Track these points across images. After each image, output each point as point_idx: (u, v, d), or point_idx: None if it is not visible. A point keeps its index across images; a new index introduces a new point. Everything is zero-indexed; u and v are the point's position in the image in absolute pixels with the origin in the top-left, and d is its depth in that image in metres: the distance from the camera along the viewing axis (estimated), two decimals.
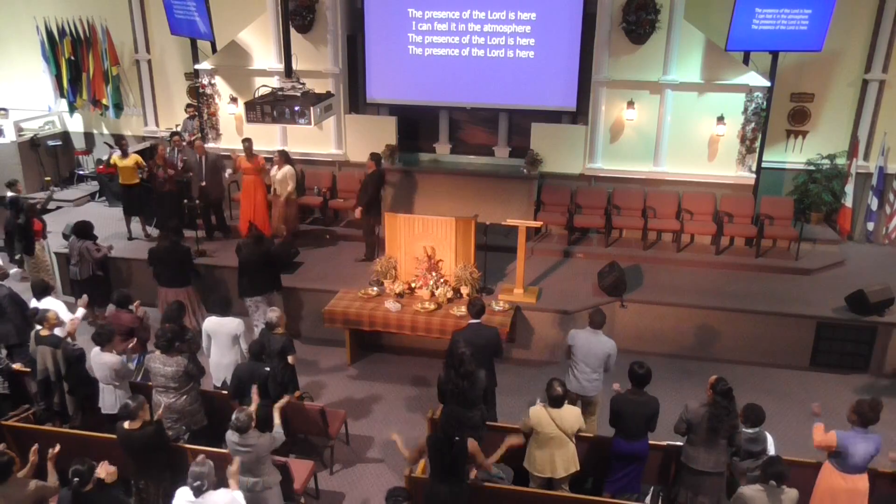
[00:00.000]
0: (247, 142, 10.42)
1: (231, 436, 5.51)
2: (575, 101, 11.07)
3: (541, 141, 11.08)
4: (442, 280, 9.01)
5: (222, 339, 7.29)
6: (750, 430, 5.82)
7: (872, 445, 5.59)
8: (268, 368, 6.49)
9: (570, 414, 5.93)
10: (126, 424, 5.64)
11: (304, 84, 8.41)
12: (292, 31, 10.50)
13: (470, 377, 6.06)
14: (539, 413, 5.93)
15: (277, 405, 6.11)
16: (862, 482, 5.63)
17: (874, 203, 11.13)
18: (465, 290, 8.95)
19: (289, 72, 8.60)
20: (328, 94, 8.86)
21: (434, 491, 5.43)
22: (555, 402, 5.87)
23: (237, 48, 11.64)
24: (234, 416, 5.46)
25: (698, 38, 10.33)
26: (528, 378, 8.63)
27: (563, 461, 5.98)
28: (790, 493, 5.11)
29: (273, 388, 6.47)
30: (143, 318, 7.80)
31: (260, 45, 11.57)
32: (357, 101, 11.96)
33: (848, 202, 11.10)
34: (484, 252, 9.39)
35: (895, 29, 10.73)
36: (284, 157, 10.56)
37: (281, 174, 10.41)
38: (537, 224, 9.98)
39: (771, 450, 5.84)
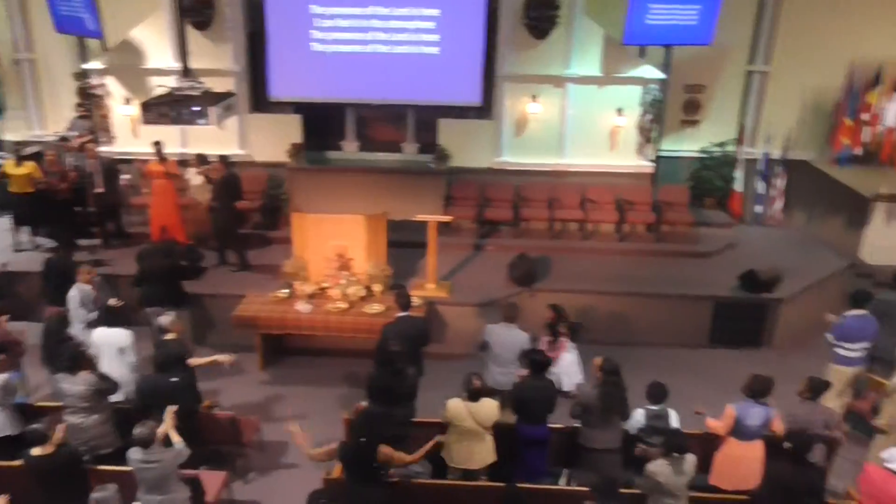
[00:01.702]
0: (157, 144, 10.00)
1: (134, 453, 5.27)
2: (481, 96, 11.20)
3: (448, 136, 11.18)
4: (354, 279, 8.95)
5: (110, 351, 6.93)
6: (654, 408, 6.09)
7: (765, 415, 5.95)
8: (174, 379, 6.26)
9: (488, 407, 6.02)
10: (35, 451, 5.30)
11: (203, 83, 8.16)
12: (189, 29, 10.17)
13: (400, 375, 6.10)
14: (457, 407, 5.99)
15: (162, 428, 5.73)
16: (758, 449, 5.99)
17: (761, 187, 11.83)
18: (377, 288, 8.93)
19: (186, 71, 8.33)
20: (229, 94, 8.64)
21: (351, 493, 5.40)
22: (472, 395, 5.95)
23: (130, 46, 11.14)
24: (135, 431, 5.24)
25: (597, 33, 10.67)
26: (445, 372, 8.61)
27: (480, 453, 6.08)
28: (690, 460, 5.40)
29: (181, 399, 6.21)
30: (10, 332, 7.32)
31: (155, 42, 11.12)
32: (260, 99, 11.68)
33: (738, 187, 11.74)
34: (395, 249, 9.38)
35: (775, 23, 11.43)
36: (201, 161, 10.19)
37: (200, 179, 10.06)
38: (447, 219, 10.04)
39: (675, 424, 6.12)
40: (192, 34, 10.56)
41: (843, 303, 7.85)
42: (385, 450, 5.37)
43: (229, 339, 9.08)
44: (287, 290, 8.92)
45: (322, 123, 11.80)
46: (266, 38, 11.17)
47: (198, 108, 7.86)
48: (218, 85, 9.34)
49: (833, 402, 6.98)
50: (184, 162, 10.44)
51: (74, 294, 7.71)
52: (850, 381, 7.42)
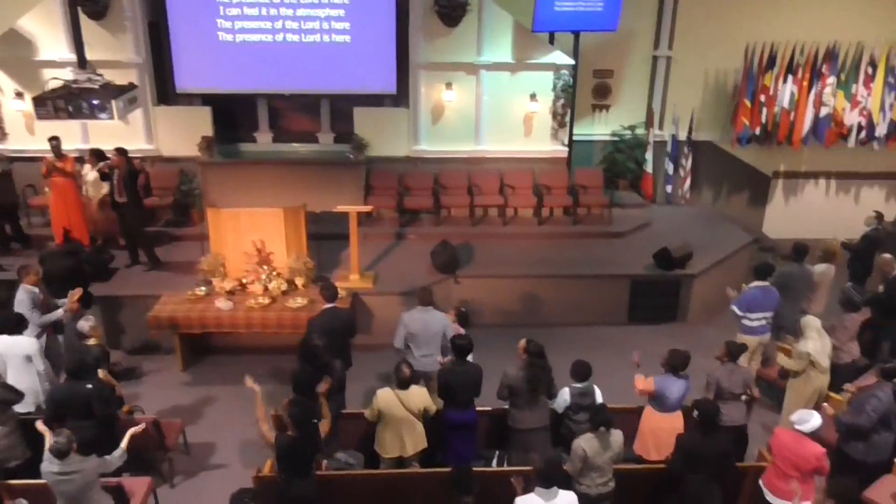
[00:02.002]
0: (54, 140, 9.43)
1: (49, 465, 4.98)
2: (395, 84, 11.14)
3: (364, 125, 11.07)
4: (275, 273, 8.76)
5: (15, 360, 6.51)
6: (579, 385, 6.24)
7: (683, 387, 6.21)
8: (89, 385, 5.96)
9: (417, 394, 6.03)
10: None
11: (101, 75, 7.73)
12: (84, 18, 9.63)
13: (327, 368, 6.01)
14: (387, 396, 5.97)
15: (131, 430, 5.60)
16: (678, 420, 6.23)
17: (670, 168, 12.30)
18: (299, 282, 8.77)
19: (83, 62, 7.88)
20: (131, 86, 8.20)
21: (285, 487, 5.30)
22: (402, 384, 5.94)
23: (18, 37, 10.45)
24: (51, 441, 4.96)
25: (507, 20, 10.77)
26: (371, 363, 8.60)
27: (411, 440, 6.08)
28: (616, 435, 5.57)
29: (97, 406, 5.94)
30: None
31: (46, 32, 10.48)
32: (166, 91, 11.22)
33: (649, 168, 12.17)
34: (316, 241, 9.24)
35: (676, 10, 11.86)
36: (97, 157, 9.69)
37: (94, 175, 9.59)
38: (368, 209, 9.98)
39: (599, 401, 6.30)
40: (88, 24, 10.01)
41: (750, 276, 8.25)
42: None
43: (145, 341, 8.74)
44: (205, 288, 8.64)
45: (233, 115, 11.46)
46: (168, 27, 10.74)
47: (97, 102, 7.44)
48: (119, 77, 8.84)
49: None
50: (80, 158, 9.92)
51: (23, 297, 7.24)
52: (755, 350, 7.82)
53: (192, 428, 7.47)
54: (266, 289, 8.62)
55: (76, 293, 7.27)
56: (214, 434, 7.47)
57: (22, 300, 7.24)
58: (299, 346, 6.36)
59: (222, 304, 8.35)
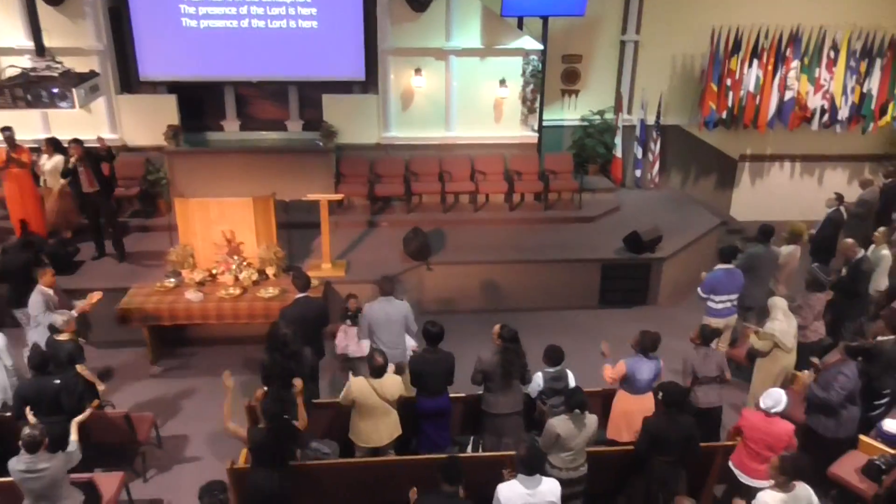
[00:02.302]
0: (7, 131, 9.19)
1: (17, 463, 4.90)
2: (363, 70, 11.04)
3: (334, 112, 10.96)
4: (245, 263, 8.67)
5: None
6: (552, 370, 6.29)
7: (654, 368, 6.30)
8: (58, 381, 5.86)
9: (391, 383, 6.02)
10: None
11: (61, 63, 7.55)
12: (41, 4, 9.38)
13: (296, 357, 5.98)
14: (360, 384, 5.96)
15: (76, 419, 5.54)
16: (649, 401, 6.32)
17: (639, 152, 12.40)
18: (270, 271, 8.70)
19: (41, 50, 7.68)
20: (92, 74, 8.04)
21: (259, 479, 5.28)
22: (375, 372, 5.93)
23: None
24: (24, 432, 4.87)
25: (475, 5, 10.72)
26: None
27: (387, 428, 6.09)
28: (591, 419, 5.63)
29: (67, 401, 5.85)
30: None
31: (2, 19, 10.19)
32: (129, 79, 10.99)
33: (618, 153, 12.25)
34: (287, 230, 9.16)
35: None
36: (54, 146, 9.47)
37: (51, 165, 9.37)
38: (338, 197, 9.91)
39: (572, 384, 6.36)
40: (45, 10, 9.75)
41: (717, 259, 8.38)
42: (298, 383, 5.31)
43: (114, 335, 8.60)
44: (174, 280, 8.53)
45: (199, 103, 11.26)
46: (130, 13, 10.49)
47: (57, 90, 7.28)
48: (79, 65, 8.67)
49: None
50: (37, 149, 9.69)
51: (37, 298, 7.05)
52: (723, 332, 7.93)
53: (165, 421, 7.41)
54: (237, 279, 8.54)
55: (95, 296, 7.17)
56: (187, 427, 7.40)
57: (36, 301, 7.05)
58: (267, 335, 6.31)
59: (192, 295, 8.25)
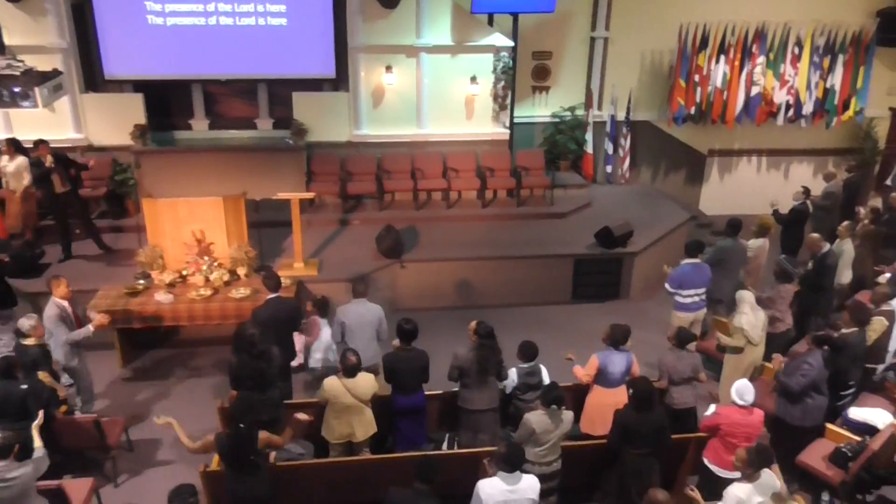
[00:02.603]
0: None
1: None
2: (334, 68, 10.98)
3: (304, 110, 10.88)
4: (216, 263, 8.57)
5: None
6: (526, 365, 6.33)
7: (626, 361, 6.35)
8: (24, 386, 5.74)
9: (365, 382, 6.01)
10: None
11: (22, 61, 7.38)
12: (1, 0, 9.18)
13: (265, 357, 5.92)
14: (334, 384, 5.94)
15: (35, 423, 5.42)
16: (622, 395, 6.34)
17: (610, 148, 12.50)
18: (241, 271, 8.62)
19: (1, 48, 7.50)
20: (55, 72, 7.88)
21: (232, 485, 5.22)
22: (349, 371, 5.91)
23: None
24: None
25: (445, 2, 10.72)
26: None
27: (361, 426, 6.07)
28: (567, 415, 5.66)
29: (34, 407, 5.73)
30: None
31: None
32: (94, 78, 10.79)
33: (589, 149, 12.34)
34: (258, 229, 9.08)
35: None
36: (15, 147, 9.26)
37: (13, 166, 9.17)
38: (309, 195, 9.84)
39: (546, 380, 6.40)
40: (5, 6, 9.57)
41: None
42: (263, 435, 5.23)
43: None
44: (144, 281, 8.40)
45: (167, 102, 11.10)
46: (93, 10, 10.30)
47: (19, 89, 7.12)
48: (42, 63, 8.47)
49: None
50: None
51: (51, 312, 6.85)
52: (691, 325, 8.00)
53: (136, 425, 7.29)
54: (207, 280, 8.43)
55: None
56: (160, 430, 7.26)
57: (50, 315, 6.85)
58: (234, 336, 6.24)
59: (162, 296, 8.13)
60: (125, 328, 8.15)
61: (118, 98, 10.73)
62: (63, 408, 6.37)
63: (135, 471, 6.76)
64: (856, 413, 6.57)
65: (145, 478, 6.70)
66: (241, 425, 5.11)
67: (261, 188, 9.64)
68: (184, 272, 8.56)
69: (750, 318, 7.01)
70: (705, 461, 5.84)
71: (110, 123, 10.50)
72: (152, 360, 8.55)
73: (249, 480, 5.19)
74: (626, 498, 5.73)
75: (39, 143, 8.85)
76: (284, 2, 10.57)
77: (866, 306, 7.15)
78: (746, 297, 7.12)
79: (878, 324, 7.06)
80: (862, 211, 9.91)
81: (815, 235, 8.53)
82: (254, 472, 5.21)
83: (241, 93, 11.25)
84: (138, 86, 10.85)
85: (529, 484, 4.92)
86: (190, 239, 8.53)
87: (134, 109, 10.57)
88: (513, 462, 4.87)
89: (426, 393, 6.44)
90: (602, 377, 6.37)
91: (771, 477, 5.01)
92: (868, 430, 6.37)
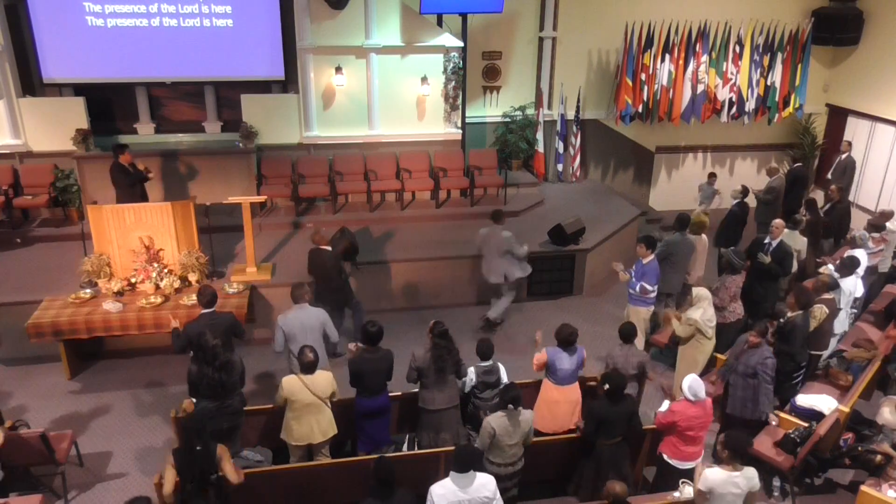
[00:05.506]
0: None
1: None
2: (282, 69, 10.85)
3: (253, 112, 10.72)
4: (166, 270, 8.38)
5: None
6: (484, 364, 6.35)
7: (575, 360, 6.38)
8: None
9: (323, 379, 5.95)
10: None
11: None
12: None
13: (226, 367, 5.82)
14: (292, 382, 5.87)
15: None
16: (574, 392, 6.43)
17: (560, 146, 12.65)
18: (192, 278, 8.44)
19: None
20: None
21: (193, 500, 5.11)
22: (306, 368, 5.85)
23: None
24: None
25: (394, 3, 10.68)
26: (273, 357, 8.44)
27: (320, 426, 6.00)
28: (526, 414, 5.69)
29: None
30: None
31: None
32: (32, 81, 10.42)
33: (540, 148, 12.46)
34: (208, 234, 8.91)
35: None
36: None
37: None
38: (261, 199, 9.69)
39: (504, 378, 6.44)
40: None
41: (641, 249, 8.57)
42: (221, 448, 5.13)
43: (25, 350, 8.18)
44: (90, 290, 8.16)
45: (109, 105, 10.80)
46: (28, 11, 9.95)
47: None
48: None
49: (639, 339, 7.64)
50: None
51: None
52: (645, 319, 8.14)
53: (85, 438, 7.07)
54: (158, 287, 8.24)
55: None
56: (110, 443, 7.10)
57: None
58: (193, 347, 6.03)
59: (110, 305, 7.91)
60: (71, 339, 7.89)
61: (58, 102, 10.39)
62: (8, 423, 6.14)
63: (85, 485, 6.55)
64: (803, 400, 6.80)
65: (97, 492, 6.50)
66: (198, 448, 4.98)
67: (210, 192, 9.48)
68: (132, 280, 8.35)
69: (706, 313, 7.16)
70: (664, 456, 5.94)
71: (50, 128, 10.17)
72: (101, 371, 8.29)
73: (210, 494, 5.08)
74: (603, 486, 5.80)
75: None
76: (230, 2, 10.40)
77: (810, 290, 7.36)
78: (704, 294, 7.24)
79: (818, 311, 7.30)
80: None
81: (779, 221, 8.70)
82: (208, 486, 5.11)
83: (188, 95, 11.03)
84: (79, 89, 10.52)
85: (483, 482, 4.89)
86: (138, 245, 8.33)
87: (75, 114, 10.25)
88: (463, 462, 4.86)
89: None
90: (552, 373, 6.39)
91: (753, 475, 5.11)
92: (815, 416, 6.60)
